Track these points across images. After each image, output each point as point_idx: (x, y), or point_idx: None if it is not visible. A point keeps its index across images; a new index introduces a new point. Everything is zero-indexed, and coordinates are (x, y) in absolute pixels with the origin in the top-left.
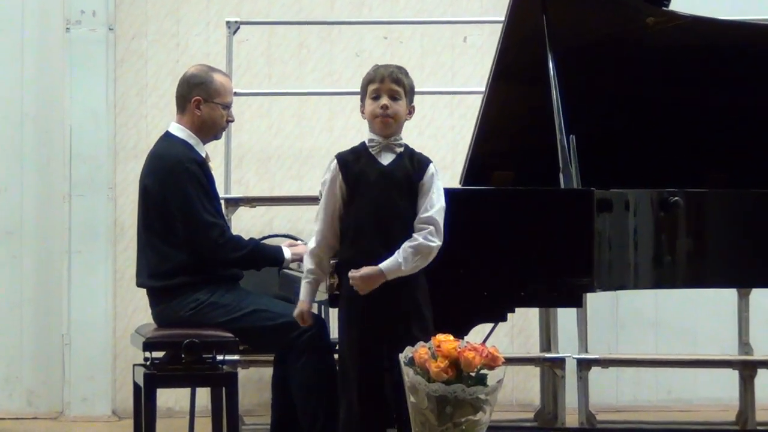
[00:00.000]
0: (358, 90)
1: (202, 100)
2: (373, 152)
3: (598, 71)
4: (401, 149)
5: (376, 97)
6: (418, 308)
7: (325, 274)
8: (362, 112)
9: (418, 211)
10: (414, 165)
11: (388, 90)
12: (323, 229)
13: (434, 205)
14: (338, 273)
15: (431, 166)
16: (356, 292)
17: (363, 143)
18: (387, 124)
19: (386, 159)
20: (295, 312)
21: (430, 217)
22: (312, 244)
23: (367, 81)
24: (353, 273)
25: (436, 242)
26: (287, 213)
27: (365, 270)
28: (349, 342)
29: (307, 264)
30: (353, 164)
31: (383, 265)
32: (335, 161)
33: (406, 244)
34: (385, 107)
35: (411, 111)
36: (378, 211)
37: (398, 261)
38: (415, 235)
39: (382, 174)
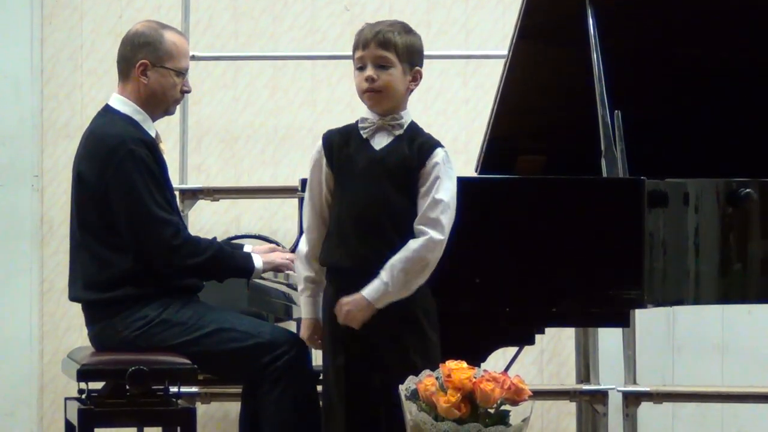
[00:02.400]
0: (347, 53)
1: (150, 64)
2: (364, 134)
3: (651, 30)
4: (401, 131)
5: (361, 68)
6: (416, 326)
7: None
8: None
9: (418, 209)
10: (415, 150)
11: (373, 57)
12: (313, 225)
13: (438, 202)
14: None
15: (438, 151)
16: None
17: (357, 121)
18: (376, 100)
19: (380, 142)
20: (304, 334)
21: (431, 219)
22: (303, 246)
23: (353, 46)
24: (337, 310)
25: (437, 252)
26: (259, 208)
27: (347, 304)
28: (334, 369)
29: (302, 272)
30: (341, 147)
31: (367, 292)
32: (319, 142)
33: (395, 259)
34: (370, 79)
35: (416, 77)
36: (365, 206)
37: (384, 282)
38: (410, 243)
39: (372, 161)
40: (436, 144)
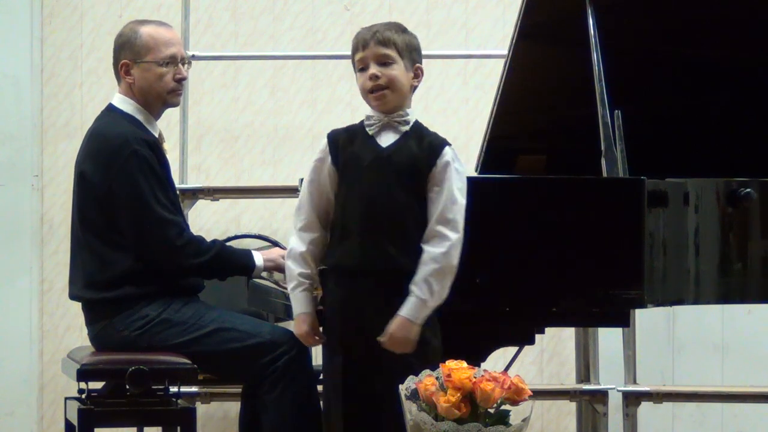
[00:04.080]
0: (347, 53)
1: (130, 62)
2: (370, 131)
3: (651, 30)
4: (407, 127)
5: (362, 69)
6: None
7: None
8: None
9: (431, 210)
10: (424, 148)
11: (375, 55)
12: (311, 224)
13: (454, 203)
14: (322, 282)
15: (447, 150)
16: (337, 307)
17: (362, 121)
18: (382, 99)
19: (387, 139)
20: (297, 330)
21: (450, 220)
22: (297, 244)
23: (353, 50)
24: (382, 339)
25: (459, 251)
26: (259, 208)
27: (392, 335)
28: (332, 370)
29: (295, 268)
30: (346, 145)
31: (406, 312)
32: (324, 140)
33: (427, 275)
34: (374, 77)
35: (417, 74)
36: (370, 204)
37: (422, 299)
38: (431, 249)
39: (379, 158)
40: (444, 142)
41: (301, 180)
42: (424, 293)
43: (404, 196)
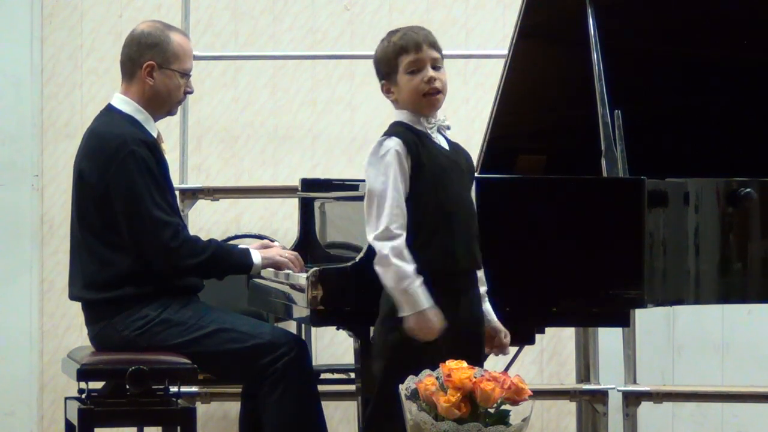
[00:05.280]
0: (347, 53)
1: (156, 65)
2: (432, 134)
3: (651, 30)
4: (448, 132)
5: (415, 71)
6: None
7: None
8: (387, 92)
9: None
10: (465, 153)
11: (431, 59)
12: (403, 217)
13: None
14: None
15: None
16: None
17: (405, 124)
18: (437, 102)
19: (443, 143)
20: (433, 325)
21: None
22: (394, 240)
23: (397, 50)
24: (506, 339)
25: None
26: (259, 208)
27: (507, 333)
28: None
29: (405, 266)
30: (418, 145)
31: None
32: (397, 140)
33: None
34: (431, 80)
35: None
36: (461, 208)
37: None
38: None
39: (450, 160)
40: None
41: (302, 179)
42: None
43: (471, 198)
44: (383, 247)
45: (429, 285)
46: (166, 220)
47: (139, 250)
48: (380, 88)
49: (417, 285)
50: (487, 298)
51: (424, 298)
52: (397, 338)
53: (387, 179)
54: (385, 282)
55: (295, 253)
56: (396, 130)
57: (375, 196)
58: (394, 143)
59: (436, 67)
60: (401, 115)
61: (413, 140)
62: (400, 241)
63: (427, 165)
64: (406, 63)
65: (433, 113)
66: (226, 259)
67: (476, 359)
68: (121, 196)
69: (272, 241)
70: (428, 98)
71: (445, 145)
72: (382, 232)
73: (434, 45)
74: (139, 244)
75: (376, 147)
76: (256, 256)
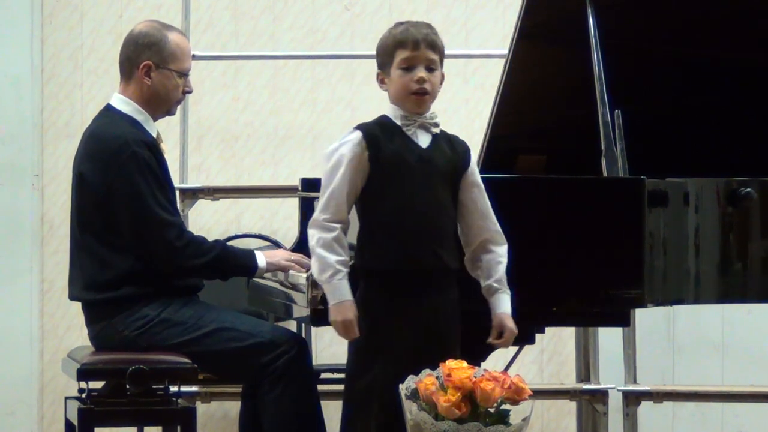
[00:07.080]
0: (347, 53)
1: (153, 65)
2: (408, 132)
3: (651, 29)
4: (437, 129)
5: (408, 68)
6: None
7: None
8: (381, 82)
9: (480, 209)
10: (457, 150)
11: (426, 59)
12: (339, 210)
13: (491, 210)
14: (370, 284)
15: (471, 153)
16: (393, 308)
17: (388, 117)
18: (422, 102)
19: (423, 140)
20: (343, 316)
21: (498, 231)
22: (321, 231)
23: (395, 44)
24: (498, 341)
25: None
26: (259, 207)
27: (510, 325)
28: (386, 373)
29: (328, 256)
30: (385, 142)
31: (506, 308)
32: (359, 133)
33: (503, 270)
34: (421, 81)
35: (441, 79)
36: (418, 204)
37: (509, 294)
38: (499, 249)
39: (422, 158)
40: (466, 144)
41: (302, 179)
42: (507, 288)
43: (445, 197)
44: (311, 237)
45: (380, 283)
46: (170, 220)
47: (144, 251)
48: (375, 77)
49: (339, 278)
50: (502, 290)
51: (340, 291)
52: (360, 339)
53: (335, 171)
54: (311, 270)
55: (301, 255)
56: (367, 123)
57: (322, 185)
58: (353, 137)
59: (430, 69)
60: (388, 109)
61: (381, 135)
62: (330, 233)
63: (390, 161)
64: (400, 58)
65: (417, 111)
66: (230, 261)
67: (435, 365)
68: (124, 198)
69: (276, 242)
70: (414, 97)
71: (425, 143)
72: (314, 221)
73: (433, 45)
74: (143, 245)
75: (338, 140)
76: (261, 259)
